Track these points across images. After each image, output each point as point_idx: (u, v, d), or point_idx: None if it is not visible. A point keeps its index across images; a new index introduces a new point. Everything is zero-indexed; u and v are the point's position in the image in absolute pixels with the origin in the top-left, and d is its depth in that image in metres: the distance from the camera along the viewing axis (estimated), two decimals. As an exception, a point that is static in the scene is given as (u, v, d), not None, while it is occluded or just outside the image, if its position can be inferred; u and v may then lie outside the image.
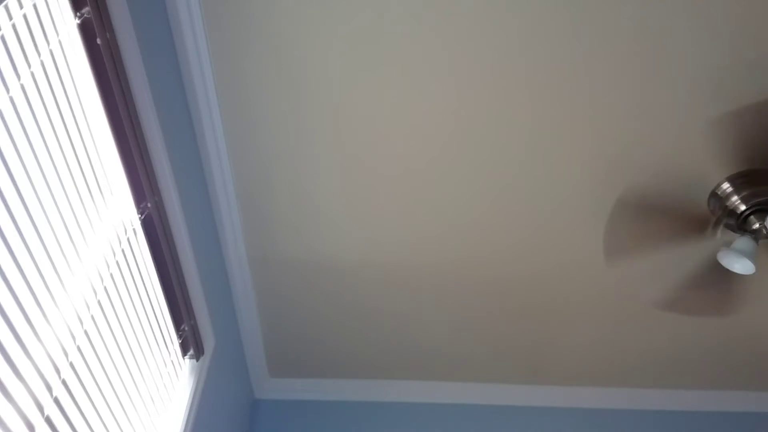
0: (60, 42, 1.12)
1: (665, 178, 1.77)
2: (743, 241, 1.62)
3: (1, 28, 0.94)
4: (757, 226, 1.70)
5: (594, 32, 1.54)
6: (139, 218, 1.45)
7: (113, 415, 1.33)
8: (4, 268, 0.96)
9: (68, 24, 1.15)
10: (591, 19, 1.52)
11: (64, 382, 1.13)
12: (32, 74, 1.03)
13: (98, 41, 1.21)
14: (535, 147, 1.75)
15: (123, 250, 1.37)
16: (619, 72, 1.60)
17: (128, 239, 1.39)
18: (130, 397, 1.41)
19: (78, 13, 1.17)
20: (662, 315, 2.15)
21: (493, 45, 1.56)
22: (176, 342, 1.69)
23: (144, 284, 1.48)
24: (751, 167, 1.74)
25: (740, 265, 1.62)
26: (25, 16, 1.00)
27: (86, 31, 1.19)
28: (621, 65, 1.59)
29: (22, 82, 1.00)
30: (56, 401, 1.10)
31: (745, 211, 1.71)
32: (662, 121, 1.69)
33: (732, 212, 1.73)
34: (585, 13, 1.51)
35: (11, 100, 0.97)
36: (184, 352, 1.74)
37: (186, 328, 1.70)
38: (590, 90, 1.64)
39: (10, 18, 0.97)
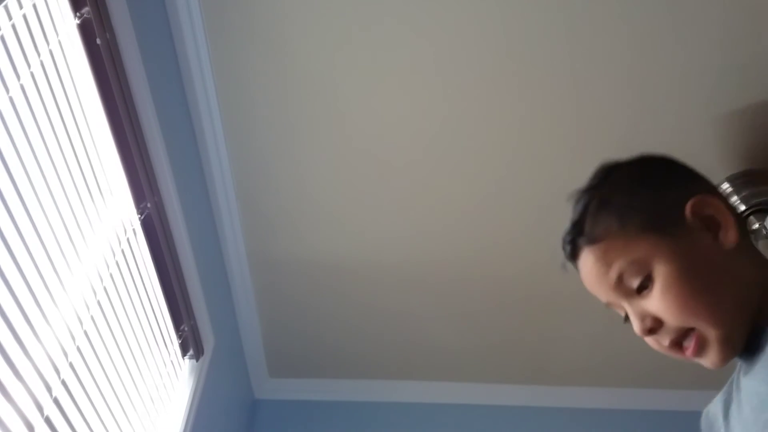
0: (60, 42, 1.12)
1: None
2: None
3: (1, 28, 0.94)
4: (756, 226, 1.70)
5: (591, 31, 1.54)
6: (139, 218, 1.45)
7: (113, 415, 1.33)
8: (3, 269, 0.96)
9: (68, 24, 1.15)
10: (587, 18, 1.52)
11: (63, 383, 1.13)
12: (32, 74, 1.03)
13: (98, 41, 1.21)
14: (537, 142, 1.75)
15: (122, 251, 1.37)
16: (617, 71, 1.60)
17: (128, 239, 1.39)
18: (129, 397, 1.41)
19: (78, 13, 1.17)
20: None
21: (496, 39, 1.56)
22: (176, 342, 1.69)
23: (143, 284, 1.48)
24: (751, 167, 1.74)
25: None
26: (24, 17, 1.00)
27: (86, 31, 1.19)
28: (618, 64, 1.59)
29: (21, 82, 1.00)
30: (56, 401, 1.10)
31: (744, 211, 1.71)
32: (661, 121, 1.69)
33: (732, 212, 1.73)
34: (582, 12, 1.51)
35: (11, 100, 0.97)
36: (184, 352, 1.74)
37: (186, 329, 1.70)
38: (590, 89, 1.64)
39: (10, 18, 0.97)
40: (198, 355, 1.78)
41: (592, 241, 0.84)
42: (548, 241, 1.96)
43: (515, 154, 1.77)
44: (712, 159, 1.74)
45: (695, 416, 0.96)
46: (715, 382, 0.87)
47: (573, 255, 0.88)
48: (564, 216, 0.93)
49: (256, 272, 2.10)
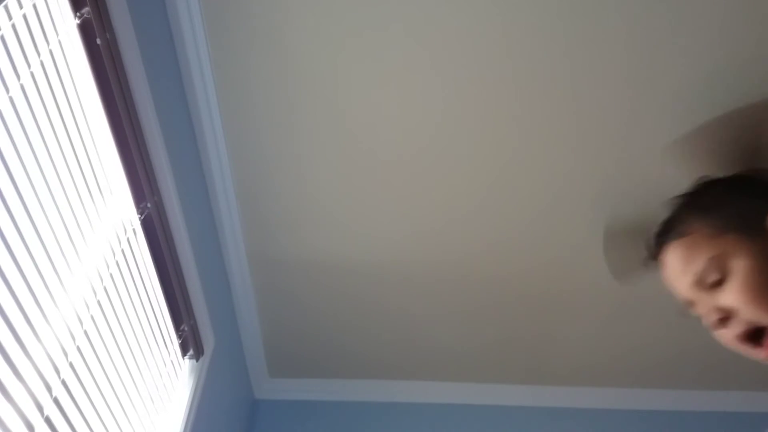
0: (60, 42, 1.12)
1: (663, 179, 1.77)
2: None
3: (1, 28, 0.94)
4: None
5: (589, 32, 1.54)
6: (139, 218, 1.45)
7: (113, 415, 1.33)
8: (3, 269, 0.96)
9: (68, 24, 1.15)
10: (585, 18, 1.52)
11: (63, 383, 1.13)
12: (32, 74, 1.03)
13: (98, 41, 1.21)
14: (536, 143, 1.75)
15: (123, 251, 1.37)
16: (615, 71, 1.60)
17: (128, 239, 1.39)
18: (129, 397, 1.41)
19: (78, 13, 1.17)
20: (665, 313, 2.14)
21: (496, 40, 1.56)
22: (176, 342, 1.69)
23: (144, 284, 1.48)
24: (751, 167, 1.74)
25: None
26: (24, 17, 1.00)
27: (86, 31, 1.19)
28: (617, 64, 1.59)
29: (21, 82, 1.00)
30: (56, 401, 1.10)
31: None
32: (660, 121, 1.69)
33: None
34: (580, 13, 1.51)
35: (11, 100, 0.97)
36: (184, 352, 1.74)
37: (186, 329, 1.70)
38: (589, 89, 1.63)
39: (10, 18, 0.97)
40: (198, 355, 1.78)
41: (678, 235, 0.93)
42: (548, 241, 1.97)
43: (515, 154, 1.77)
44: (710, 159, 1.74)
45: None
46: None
47: (658, 251, 0.96)
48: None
49: (256, 272, 2.10)
